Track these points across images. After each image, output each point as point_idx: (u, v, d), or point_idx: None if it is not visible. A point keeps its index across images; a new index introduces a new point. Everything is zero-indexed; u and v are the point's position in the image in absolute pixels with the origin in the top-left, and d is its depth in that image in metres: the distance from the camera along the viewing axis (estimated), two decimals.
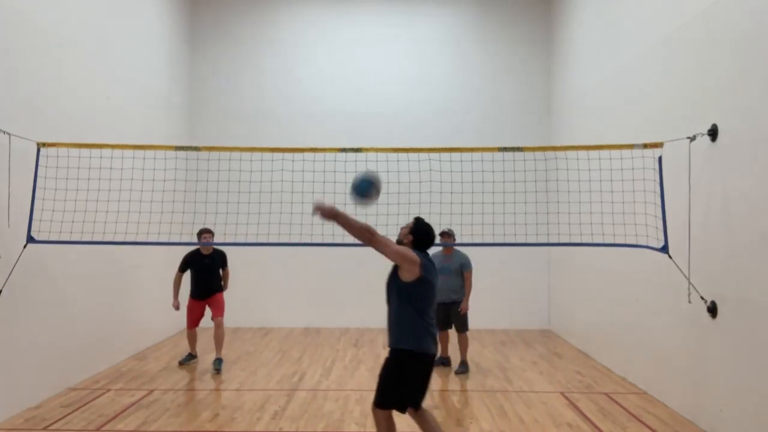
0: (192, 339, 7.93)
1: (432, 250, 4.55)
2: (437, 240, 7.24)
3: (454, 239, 7.56)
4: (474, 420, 5.74)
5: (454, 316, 7.53)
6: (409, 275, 4.11)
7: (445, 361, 7.77)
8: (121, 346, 8.05)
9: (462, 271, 7.53)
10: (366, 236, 4.00)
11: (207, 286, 7.76)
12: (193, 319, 7.86)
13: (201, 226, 7.82)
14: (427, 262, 4.21)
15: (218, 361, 7.69)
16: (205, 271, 7.77)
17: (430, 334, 4.14)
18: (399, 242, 4.33)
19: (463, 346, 7.59)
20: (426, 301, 4.17)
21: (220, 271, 7.93)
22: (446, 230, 7.50)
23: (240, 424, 5.59)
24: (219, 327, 7.73)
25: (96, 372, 7.30)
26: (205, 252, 7.76)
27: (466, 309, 7.51)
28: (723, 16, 5.31)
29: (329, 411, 5.98)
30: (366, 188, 4.29)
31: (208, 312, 7.88)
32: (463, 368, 7.51)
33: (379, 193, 4.31)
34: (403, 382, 4.12)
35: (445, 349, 7.75)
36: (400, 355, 4.12)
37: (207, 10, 11.01)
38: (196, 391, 6.69)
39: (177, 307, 7.76)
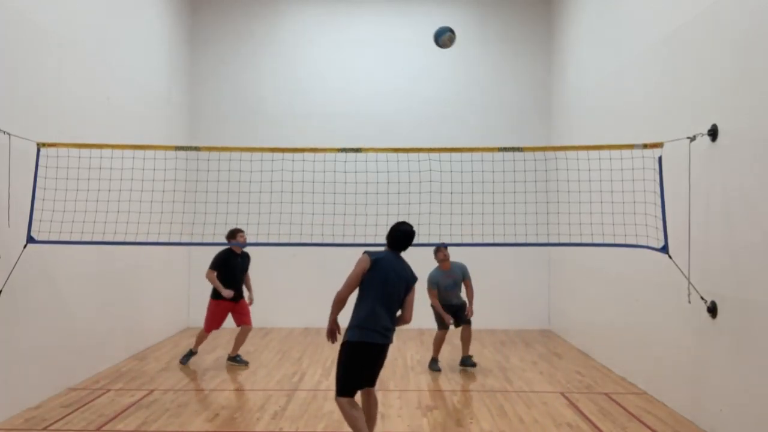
0: (202, 340, 7.80)
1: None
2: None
3: (447, 253, 7.54)
4: (474, 420, 5.74)
5: (461, 314, 7.62)
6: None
7: (435, 363, 7.73)
8: (121, 346, 8.05)
9: (464, 279, 7.61)
10: (342, 298, 4.55)
11: (238, 288, 7.64)
12: (217, 323, 7.67)
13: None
14: (381, 259, 4.54)
15: (239, 356, 7.85)
16: (238, 272, 7.65)
17: (369, 327, 4.43)
18: None
19: (467, 340, 7.62)
20: (372, 293, 4.48)
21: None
22: (439, 244, 7.38)
23: (240, 424, 5.60)
24: (246, 333, 7.78)
25: (96, 372, 7.30)
26: (237, 251, 7.62)
27: (472, 314, 7.65)
28: (723, 16, 5.31)
29: (329, 411, 5.98)
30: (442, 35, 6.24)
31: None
32: (471, 362, 7.60)
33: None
34: (342, 369, 4.51)
35: (438, 350, 7.74)
36: (341, 346, 4.57)
37: (207, 10, 11.01)
38: (196, 391, 6.69)
39: (232, 294, 7.49)
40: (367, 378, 4.61)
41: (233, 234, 7.49)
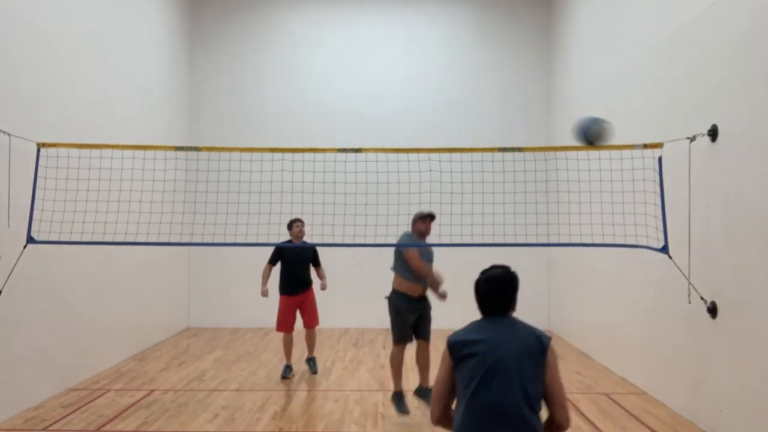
0: None
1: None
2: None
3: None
4: None
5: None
6: None
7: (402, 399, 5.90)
8: (121, 346, 8.05)
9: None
10: None
11: None
12: None
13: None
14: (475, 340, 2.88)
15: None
16: None
17: None
18: None
19: (425, 365, 5.95)
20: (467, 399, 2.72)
21: None
22: (428, 213, 5.98)
23: (240, 424, 5.59)
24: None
25: (96, 372, 7.30)
26: None
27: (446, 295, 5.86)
28: (723, 16, 5.31)
29: (329, 411, 5.98)
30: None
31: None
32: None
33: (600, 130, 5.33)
34: None
35: None
36: None
37: (207, 10, 11.01)
38: (196, 391, 6.69)
39: None
40: None
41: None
